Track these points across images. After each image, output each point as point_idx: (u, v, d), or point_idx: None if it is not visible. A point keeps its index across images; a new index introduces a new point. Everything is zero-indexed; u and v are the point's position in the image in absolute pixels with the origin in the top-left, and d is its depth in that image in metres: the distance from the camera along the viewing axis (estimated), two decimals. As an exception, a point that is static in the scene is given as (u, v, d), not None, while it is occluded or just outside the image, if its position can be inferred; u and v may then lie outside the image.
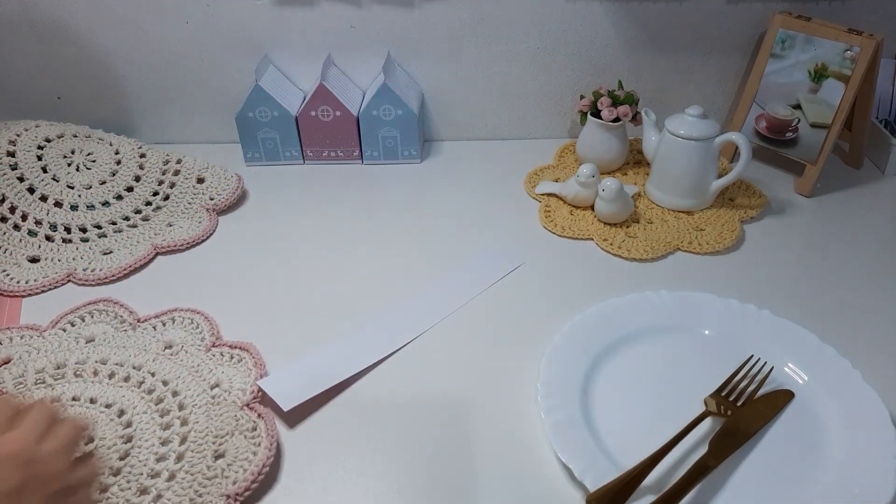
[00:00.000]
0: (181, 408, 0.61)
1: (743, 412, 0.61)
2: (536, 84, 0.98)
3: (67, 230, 0.82)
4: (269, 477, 0.56)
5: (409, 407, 0.62)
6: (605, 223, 0.85)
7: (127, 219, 0.85)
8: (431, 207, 0.89)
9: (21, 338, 0.70)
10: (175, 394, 0.62)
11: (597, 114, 0.91)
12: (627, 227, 0.84)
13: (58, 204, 0.83)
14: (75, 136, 0.89)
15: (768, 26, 0.91)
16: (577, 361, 0.65)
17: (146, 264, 0.80)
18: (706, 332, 0.69)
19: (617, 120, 0.91)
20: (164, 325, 0.71)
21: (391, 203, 0.90)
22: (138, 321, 0.71)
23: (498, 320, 0.72)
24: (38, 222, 0.81)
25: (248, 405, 0.61)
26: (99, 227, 0.83)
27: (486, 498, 0.55)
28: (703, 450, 0.57)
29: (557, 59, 0.96)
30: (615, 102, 0.91)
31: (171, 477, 0.55)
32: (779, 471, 0.57)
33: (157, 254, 0.81)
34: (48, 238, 0.81)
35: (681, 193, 0.86)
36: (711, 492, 0.55)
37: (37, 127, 0.87)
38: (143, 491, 0.54)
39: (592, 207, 0.86)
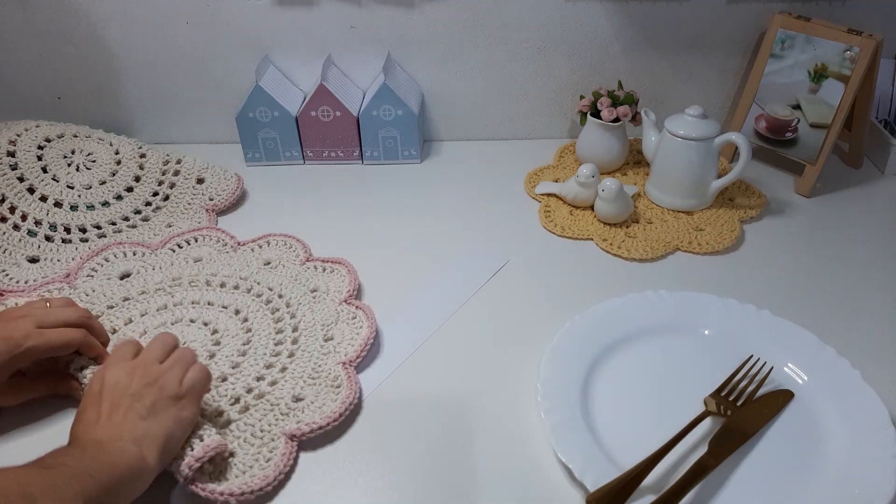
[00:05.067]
0: (288, 305, 0.71)
1: (743, 412, 0.61)
2: (536, 84, 0.99)
3: (67, 230, 0.82)
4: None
5: (408, 406, 0.62)
6: (604, 223, 0.85)
7: (126, 219, 0.85)
8: (431, 207, 0.89)
9: (134, 254, 0.78)
10: (280, 296, 0.72)
11: (596, 114, 0.91)
12: (627, 227, 0.84)
13: (57, 204, 0.83)
14: (75, 136, 0.89)
15: (768, 26, 0.91)
16: (576, 361, 0.65)
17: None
18: (706, 332, 0.69)
19: (617, 120, 0.91)
20: (260, 247, 0.80)
21: (391, 203, 0.90)
22: (238, 244, 0.80)
23: (498, 320, 0.72)
24: (37, 222, 0.81)
25: (345, 301, 0.71)
26: (98, 228, 0.83)
27: (486, 498, 0.55)
28: (703, 450, 0.57)
29: (557, 59, 0.96)
30: (615, 103, 0.91)
31: (291, 354, 0.65)
32: (778, 471, 0.57)
33: (157, 254, 0.81)
34: (48, 238, 0.81)
35: (680, 193, 0.86)
36: (711, 492, 0.55)
37: (37, 127, 0.87)
38: (269, 365, 0.64)
39: (592, 207, 0.86)
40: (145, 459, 0.49)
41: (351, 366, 0.64)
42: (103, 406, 0.51)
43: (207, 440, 0.54)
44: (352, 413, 0.62)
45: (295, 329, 0.68)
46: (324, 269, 0.76)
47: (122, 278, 0.76)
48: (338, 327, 0.68)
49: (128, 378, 0.53)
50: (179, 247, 0.80)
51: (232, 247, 0.80)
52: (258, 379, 0.63)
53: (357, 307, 0.70)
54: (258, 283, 0.74)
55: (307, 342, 0.67)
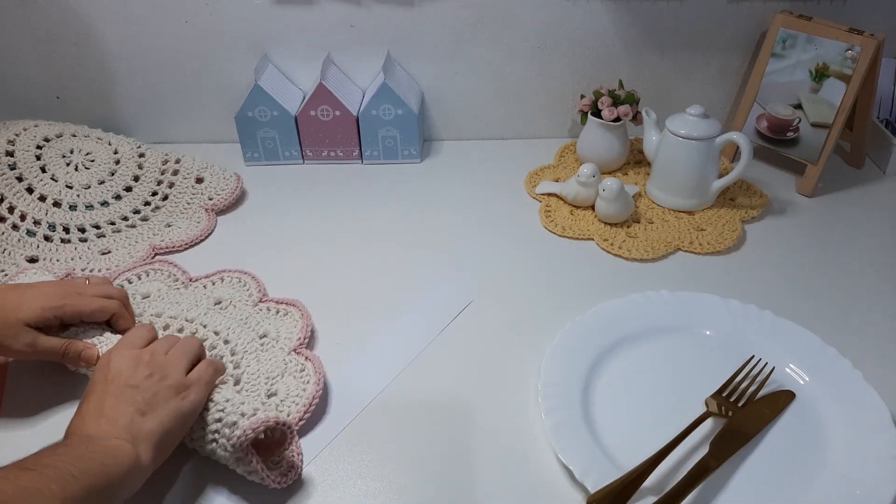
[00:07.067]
0: (233, 353, 0.66)
1: (744, 413, 0.60)
2: (537, 83, 0.98)
3: (66, 230, 0.82)
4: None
5: (408, 408, 0.62)
6: (605, 223, 0.85)
7: (126, 219, 0.85)
8: (431, 207, 0.89)
9: None
10: (226, 342, 0.67)
11: (597, 113, 0.91)
12: (628, 227, 0.84)
13: (56, 204, 0.83)
14: (74, 136, 0.88)
15: (769, 26, 0.90)
16: (577, 362, 0.64)
17: (144, 265, 0.79)
18: (707, 333, 0.69)
19: (617, 119, 0.90)
20: (213, 283, 0.75)
21: (391, 203, 0.90)
22: (190, 280, 0.76)
23: (498, 321, 0.71)
24: (36, 222, 0.81)
25: (295, 350, 0.66)
26: (97, 228, 0.83)
27: (487, 499, 0.55)
28: (704, 451, 0.57)
29: (558, 58, 0.96)
30: (616, 102, 0.91)
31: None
32: (780, 472, 0.56)
33: (156, 254, 0.81)
34: (46, 238, 0.81)
35: (681, 193, 0.86)
36: (712, 493, 0.55)
37: (35, 126, 0.87)
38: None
39: (593, 207, 0.85)
40: (139, 458, 0.48)
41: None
42: (105, 398, 0.51)
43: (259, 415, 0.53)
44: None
45: (237, 382, 0.63)
46: (277, 312, 0.70)
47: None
48: (283, 381, 0.63)
49: (132, 367, 0.53)
50: (129, 282, 0.75)
51: (183, 283, 0.75)
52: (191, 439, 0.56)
53: (306, 358, 0.64)
54: (204, 326, 0.68)
55: (248, 397, 0.60)
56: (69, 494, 0.43)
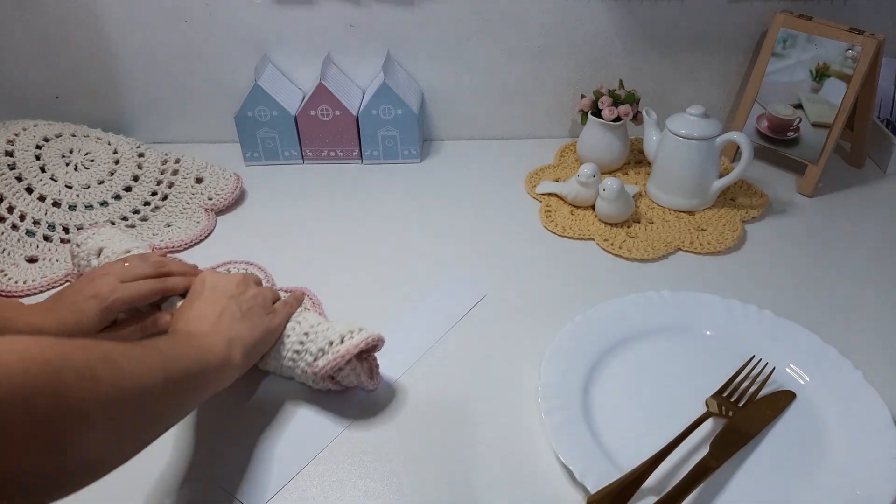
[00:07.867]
0: None
1: (744, 413, 0.60)
2: (537, 83, 0.98)
3: (66, 230, 0.82)
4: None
5: (408, 408, 0.62)
6: (605, 223, 0.84)
7: (125, 219, 0.85)
8: (431, 207, 0.89)
9: None
10: None
11: (597, 113, 0.91)
12: (628, 227, 0.84)
13: (56, 204, 0.83)
14: (73, 136, 0.88)
15: (770, 25, 0.90)
16: (577, 362, 0.64)
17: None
18: (707, 333, 0.69)
19: (618, 119, 0.90)
20: None
21: (391, 203, 0.90)
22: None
23: (498, 321, 0.71)
24: (36, 222, 0.81)
25: None
26: (97, 227, 0.83)
27: (487, 499, 0.55)
28: (705, 451, 0.57)
29: (558, 58, 0.96)
30: (616, 102, 0.90)
31: None
32: (780, 472, 0.56)
33: (156, 254, 0.81)
34: (46, 238, 0.81)
35: (682, 193, 0.86)
36: (713, 493, 0.54)
37: (35, 126, 0.87)
38: None
39: (593, 207, 0.85)
40: (231, 357, 0.53)
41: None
42: (203, 304, 0.56)
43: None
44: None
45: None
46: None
47: None
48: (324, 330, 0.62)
49: (227, 282, 0.59)
50: None
51: None
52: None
53: None
54: None
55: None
56: (171, 372, 0.46)
